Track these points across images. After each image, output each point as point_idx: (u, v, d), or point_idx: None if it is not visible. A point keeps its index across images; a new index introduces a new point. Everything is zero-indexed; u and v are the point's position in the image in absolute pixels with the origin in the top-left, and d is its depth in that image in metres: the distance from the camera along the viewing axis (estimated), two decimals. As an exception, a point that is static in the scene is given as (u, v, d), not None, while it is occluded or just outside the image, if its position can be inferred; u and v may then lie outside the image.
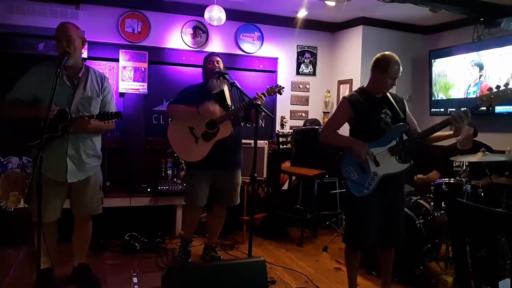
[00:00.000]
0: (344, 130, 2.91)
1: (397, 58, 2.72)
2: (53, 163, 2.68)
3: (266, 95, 3.39)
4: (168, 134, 3.51)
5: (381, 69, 2.71)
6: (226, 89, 3.51)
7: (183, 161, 4.44)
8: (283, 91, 3.52)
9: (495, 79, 4.47)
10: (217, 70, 3.42)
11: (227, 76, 3.39)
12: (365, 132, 2.75)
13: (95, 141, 3.04)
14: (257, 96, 3.31)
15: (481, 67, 4.66)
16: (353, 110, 2.76)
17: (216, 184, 3.57)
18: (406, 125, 2.75)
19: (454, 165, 4.00)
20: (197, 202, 3.53)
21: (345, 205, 2.95)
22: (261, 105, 3.21)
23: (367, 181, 2.71)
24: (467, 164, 3.87)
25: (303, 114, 5.64)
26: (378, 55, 2.77)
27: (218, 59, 3.51)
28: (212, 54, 3.61)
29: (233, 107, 3.44)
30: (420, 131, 2.79)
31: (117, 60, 4.66)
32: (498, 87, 2.60)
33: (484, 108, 2.64)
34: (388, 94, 2.83)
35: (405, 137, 2.77)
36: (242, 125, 3.68)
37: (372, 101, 2.77)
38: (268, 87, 3.48)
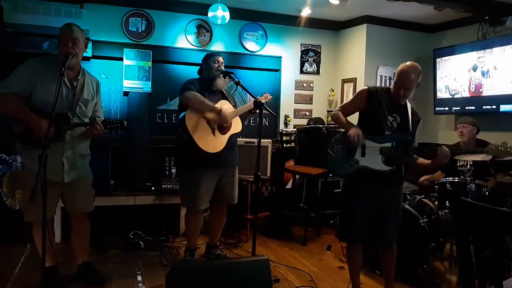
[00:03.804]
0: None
1: (410, 68, 2.70)
2: (49, 163, 2.58)
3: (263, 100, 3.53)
4: (187, 123, 3.26)
5: (396, 74, 2.76)
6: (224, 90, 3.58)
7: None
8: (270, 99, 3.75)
9: (500, 77, 4.45)
10: (223, 69, 3.47)
11: (232, 76, 3.41)
12: (369, 126, 2.80)
13: (87, 142, 3.09)
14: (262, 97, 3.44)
15: (474, 69, 4.72)
16: (367, 101, 2.82)
17: (219, 183, 3.54)
18: (408, 137, 2.78)
19: (458, 164, 3.99)
20: (202, 205, 3.45)
21: (340, 202, 2.99)
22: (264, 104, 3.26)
23: (346, 164, 2.81)
24: (471, 163, 3.86)
25: (307, 113, 5.63)
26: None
27: (222, 60, 3.54)
28: (217, 53, 3.61)
29: (237, 105, 3.48)
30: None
31: (121, 59, 4.67)
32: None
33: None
34: (409, 106, 2.85)
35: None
36: None
37: (389, 102, 2.80)
38: (263, 94, 3.67)
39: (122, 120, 3.07)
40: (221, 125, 3.40)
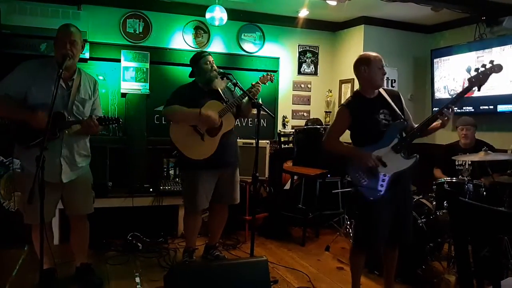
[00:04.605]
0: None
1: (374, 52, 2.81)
2: (47, 164, 2.53)
3: (260, 83, 3.51)
4: (171, 136, 3.38)
5: (366, 63, 2.74)
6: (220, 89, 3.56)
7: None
8: (273, 78, 3.69)
9: (498, 77, 4.46)
10: (221, 70, 3.46)
11: (230, 76, 3.41)
12: (366, 136, 2.76)
13: (87, 142, 3.08)
14: (253, 88, 3.42)
15: (468, 70, 4.76)
16: (352, 117, 2.77)
17: (219, 183, 3.53)
18: (404, 122, 2.75)
19: (457, 163, 4.00)
20: (201, 206, 3.45)
21: (356, 207, 2.91)
22: (256, 96, 3.29)
23: (379, 183, 2.70)
24: (469, 163, 3.87)
25: (305, 114, 5.64)
26: (356, 58, 2.82)
27: (212, 58, 3.52)
28: (206, 53, 3.57)
29: (229, 101, 3.47)
30: (415, 126, 2.81)
31: (119, 61, 4.67)
32: (484, 65, 2.63)
33: (476, 89, 2.66)
34: (383, 92, 2.83)
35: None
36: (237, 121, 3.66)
37: (369, 104, 2.78)
38: (260, 76, 3.61)
39: (118, 117, 3.09)
40: (210, 128, 3.38)
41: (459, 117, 4.29)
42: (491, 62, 2.62)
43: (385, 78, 2.83)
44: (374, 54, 2.78)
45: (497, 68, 2.61)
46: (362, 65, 2.75)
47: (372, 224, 2.75)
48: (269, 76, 3.61)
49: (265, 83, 3.58)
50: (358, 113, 2.76)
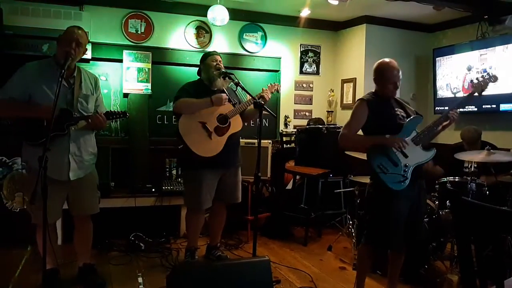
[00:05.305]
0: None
1: (394, 63, 2.79)
2: (55, 162, 2.59)
3: (269, 91, 3.53)
4: (180, 130, 3.34)
5: (380, 77, 2.79)
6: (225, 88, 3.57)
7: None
8: (280, 89, 3.72)
9: (500, 76, 4.44)
10: (223, 70, 3.47)
11: (232, 76, 3.42)
12: (383, 129, 2.75)
13: (93, 138, 3.09)
14: (263, 93, 3.44)
15: (469, 68, 4.81)
16: (370, 110, 2.77)
17: (221, 182, 3.53)
18: (421, 117, 2.80)
19: (465, 165, 3.98)
20: (205, 204, 3.45)
21: (373, 205, 2.85)
22: (265, 103, 3.26)
23: (400, 176, 2.70)
24: (475, 166, 3.85)
25: (307, 113, 5.63)
26: (376, 63, 2.85)
27: (220, 59, 3.54)
28: (214, 52, 3.60)
29: (237, 103, 3.50)
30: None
31: (121, 61, 4.68)
32: (482, 76, 2.82)
33: (476, 94, 2.82)
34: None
35: None
36: None
37: (384, 100, 2.82)
38: (268, 85, 3.64)
39: (124, 111, 3.11)
40: (219, 126, 3.39)
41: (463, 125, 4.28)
42: (488, 74, 2.83)
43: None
44: (391, 68, 2.78)
45: (494, 78, 2.81)
46: (378, 76, 2.81)
47: (391, 221, 2.71)
48: (276, 86, 3.66)
49: (272, 92, 3.61)
50: (376, 107, 2.78)
